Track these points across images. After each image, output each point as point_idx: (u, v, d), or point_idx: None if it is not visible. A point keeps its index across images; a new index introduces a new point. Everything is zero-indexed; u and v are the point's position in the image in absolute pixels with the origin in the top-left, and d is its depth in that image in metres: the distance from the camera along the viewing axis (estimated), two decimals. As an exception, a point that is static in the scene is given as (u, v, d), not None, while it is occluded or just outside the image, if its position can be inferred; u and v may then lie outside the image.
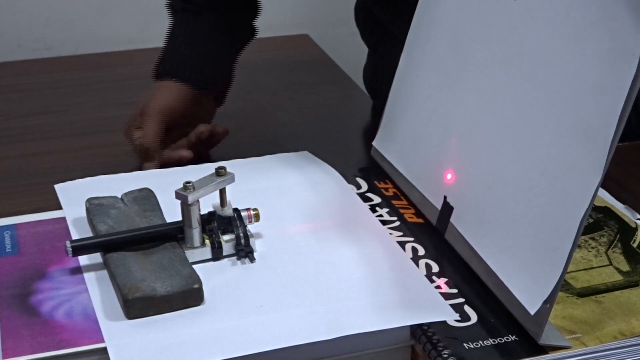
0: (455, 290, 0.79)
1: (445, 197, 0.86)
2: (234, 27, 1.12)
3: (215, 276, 0.80)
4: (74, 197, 0.91)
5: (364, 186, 0.97)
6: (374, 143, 1.02)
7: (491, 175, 0.80)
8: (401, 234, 0.88)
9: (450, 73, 0.89)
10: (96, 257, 0.82)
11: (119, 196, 0.89)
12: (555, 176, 0.73)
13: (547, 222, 0.73)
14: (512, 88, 0.79)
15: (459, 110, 0.86)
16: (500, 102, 0.81)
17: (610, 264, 0.82)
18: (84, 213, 0.88)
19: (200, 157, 1.08)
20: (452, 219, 0.85)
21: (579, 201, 0.70)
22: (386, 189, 0.96)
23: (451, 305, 0.76)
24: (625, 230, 0.87)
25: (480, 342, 0.72)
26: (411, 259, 0.83)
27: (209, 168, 0.85)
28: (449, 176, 0.86)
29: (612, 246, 0.84)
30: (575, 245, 0.70)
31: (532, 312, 0.72)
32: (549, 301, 0.71)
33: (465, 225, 0.83)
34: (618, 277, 0.80)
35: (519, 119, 0.78)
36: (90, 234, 0.85)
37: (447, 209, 0.86)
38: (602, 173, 0.68)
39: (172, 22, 1.14)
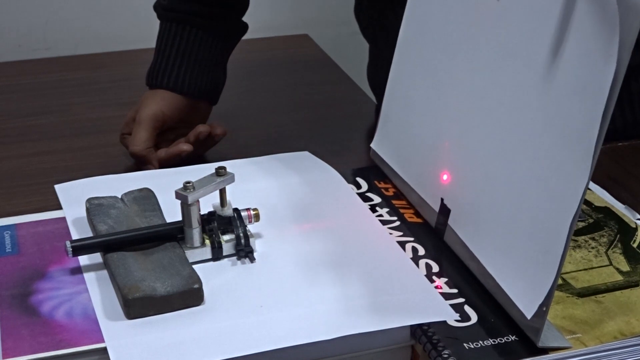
0: (455, 290, 0.79)
1: (442, 200, 0.86)
2: (224, 28, 1.12)
3: (215, 276, 0.80)
4: (74, 197, 0.91)
5: (364, 186, 0.97)
6: (372, 145, 1.02)
7: (484, 177, 0.80)
8: (401, 234, 0.88)
9: (440, 75, 0.88)
10: (96, 257, 0.82)
11: (119, 196, 0.89)
12: (543, 178, 0.73)
13: (538, 225, 0.73)
14: (499, 90, 0.79)
15: (449, 112, 0.86)
16: (488, 105, 0.80)
17: (610, 264, 0.82)
18: (84, 213, 0.89)
19: (199, 158, 1.08)
20: (450, 222, 0.85)
21: (568, 203, 0.69)
22: (386, 189, 0.96)
23: (451, 305, 0.76)
24: (625, 230, 0.87)
25: (480, 342, 0.72)
26: (411, 259, 0.83)
27: (209, 168, 0.85)
28: (445, 177, 0.86)
29: (612, 246, 0.84)
30: (567, 246, 0.69)
31: (529, 316, 0.72)
32: (545, 304, 0.70)
33: (462, 227, 0.83)
34: (618, 277, 0.80)
35: (507, 122, 0.78)
36: (90, 234, 0.85)
37: (444, 210, 0.86)
38: (588, 174, 0.68)
39: (161, 28, 1.12)
